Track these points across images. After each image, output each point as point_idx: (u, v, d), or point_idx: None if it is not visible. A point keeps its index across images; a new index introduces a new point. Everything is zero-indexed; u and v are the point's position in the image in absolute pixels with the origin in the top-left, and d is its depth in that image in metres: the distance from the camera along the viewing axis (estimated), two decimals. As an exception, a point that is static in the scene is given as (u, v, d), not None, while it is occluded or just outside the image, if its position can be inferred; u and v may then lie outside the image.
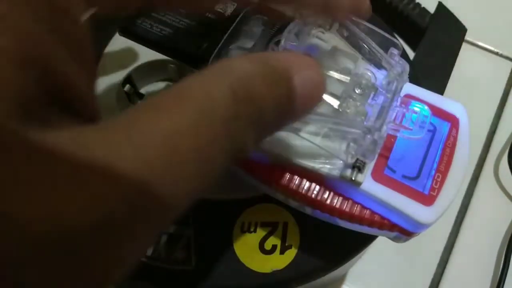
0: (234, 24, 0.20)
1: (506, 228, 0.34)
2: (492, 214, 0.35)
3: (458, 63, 0.29)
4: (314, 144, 0.18)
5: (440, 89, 0.30)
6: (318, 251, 0.23)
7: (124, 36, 0.21)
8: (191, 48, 0.20)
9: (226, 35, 0.19)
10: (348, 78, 0.19)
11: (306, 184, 0.19)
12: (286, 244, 0.23)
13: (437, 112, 0.20)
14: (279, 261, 0.22)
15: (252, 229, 0.23)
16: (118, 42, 0.28)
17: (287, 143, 0.19)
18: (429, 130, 0.20)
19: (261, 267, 0.22)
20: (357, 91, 0.18)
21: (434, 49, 0.32)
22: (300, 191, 0.19)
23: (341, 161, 0.18)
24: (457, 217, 0.35)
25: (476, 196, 0.35)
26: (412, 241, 0.29)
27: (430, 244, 0.33)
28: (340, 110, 0.18)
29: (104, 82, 0.27)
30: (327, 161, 0.19)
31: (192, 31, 0.20)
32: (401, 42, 0.34)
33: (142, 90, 0.29)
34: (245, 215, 0.23)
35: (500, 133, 0.38)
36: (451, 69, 0.31)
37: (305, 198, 0.19)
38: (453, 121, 0.20)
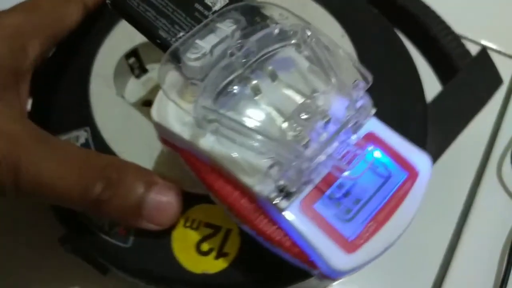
0: (208, 19, 0.19)
1: (509, 228, 0.33)
2: (495, 214, 0.34)
3: None
4: (249, 160, 0.17)
5: (452, 135, 0.28)
6: (254, 268, 0.22)
7: (113, 9, 0.21)
8: (166, 35, 0.20)
9: (198, 27, 0.19)
10: (302, 99, 0.18)
11: (238, 196, 0.19)
12: (223, 251, 0.22)
13: (397, 159, 0.19)
14: (211, 265, 0.22)
15: (194, 226, 0.23)
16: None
17: (228, 151, 0.18)
18: (381, 176, 0.18)
19: (192, 266, 0.22)
20: (303, 115, 0.17)
21: (463, 94, 0.30)
22: (229, 200, 0.19)
23: (271, 183, 0.17)
24: (460, 217, 0.34)
25: (479, 196, 0.34)
26: (414, 242, 0.29)
27: (432, 245, 0.33)
28: (283, 130, 0.17)
29: (110, 51, 0.28)
30: (260, 179, 0.18)
31: (173, 18, 0.20)
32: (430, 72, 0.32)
33: (149, 66, 0.30)
34: (193, 210, 0.23)
35: (503, 133, 0.36)
36: (471, 119, 0.28)
37: (232, 209, 0.19)
38: (412, 173, 0.18)
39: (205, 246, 0.22)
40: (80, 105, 0.26)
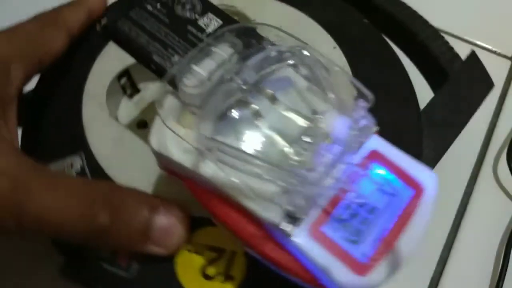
0: (204, 43, 0.19)
1: (505, 226, 0.34)
2: (491, 212, 0.34)
3: None
4: (254, 186, 0.17)
5: (447, 141, 0.28)
6: (262, 288, 0.22)
7: (103, 33, 0.21)
8: (160, 60, 0.20)
9: (193, 52, 0.19)
10: (305, 122, 0.18)
11: (244, 223, 0.18)
12: (230, 274, 0.22)
13: (402, 176, 0.18)
14: (218, 290, 0.22)
15: (198, 251, 0.22)
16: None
17: (231, 178, 0.18)
18: (387, 195, 0.18)
19: (197, 291, 0.22)
20: (307, 139, 0.17)
21: (455, 99, 0.30)
22: (236, 229, 0.18)
23: (278, 208, 0.17)
24: (456, 215, 0.34)
25: (475, 194, 0.35)
26: None
27: (429, 242, 0.33)
28: (286, 155, 0.17)
29: (101, 72, 0.27)
30: (266, 205, 0.17)
31: (167, 42, 0.20)
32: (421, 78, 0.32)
33: (141, 85, 0.29)
34: (196, 234, 0.22)
35: (499, 131, 0.37)
36: (465, 124, 0.28)
37: (239, 236, 0.18)
38: (418, 190, 0.18)
39: (210, 271, 0.22)
40: (73, 130, 0.25)
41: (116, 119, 0.27)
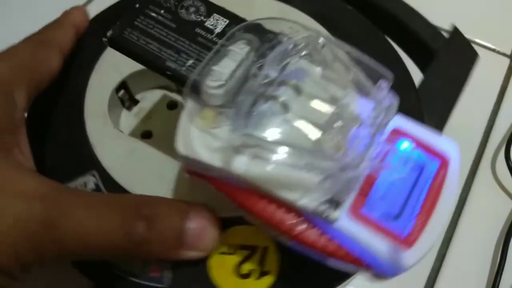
0: (220, 43, 0.19)
1: (503, 223, 0.34)
2: (489, 209, 0.35)
3: None
4: (290, 176, 0.17)
5: (445, 114, 0.29)
6: (298, 281, 0.22)
7: (110, 46, 0.20)
8: (175, 65, 0.20)
9: (210, 54, 0.19)
10: (332, 107, 0.18)
11: (282, 214, 0.18)
12: (264, 270, 0.22)
13: (427, 149, 0.19)
14: (254, 287, 0.22)
15: (230, 251, 0.22)
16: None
17: (264, 171, 0.18)
18: (415, 169, 0.19)
19: (234, 291, 0.22)
20: (337, 124, 0.17)
21: (444, 74, 0.31)
22: (275, 221, 0.18)
23: (316, 195, 0.17)
24: (454, 212, 0.35)
25: (473, 192, 0.35)
26: None
27: None
28: (319, 142, 0.17)
29: (98, 87, 0.27)
30: (302, 194, 0.18)
31: (178, 47, 0.20)
32: (409, 61, 0.33)
33: (138, 96, 0.29)
34: (225, 235, 0.22)
35: (497, 129, 0.38)
36: (459, 95, 0.29)
37: (280, 228, 0.18)
38: (443, 161, 0.19)
39: (245, 269, 0.22)
40: (81, 149, 0.25)
41: (122, 132, 0.26)
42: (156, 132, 0.27)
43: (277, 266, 0.22)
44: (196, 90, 0.18)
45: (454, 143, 0.20)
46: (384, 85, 0.18)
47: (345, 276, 0.22)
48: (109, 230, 0.18)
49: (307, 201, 0.18)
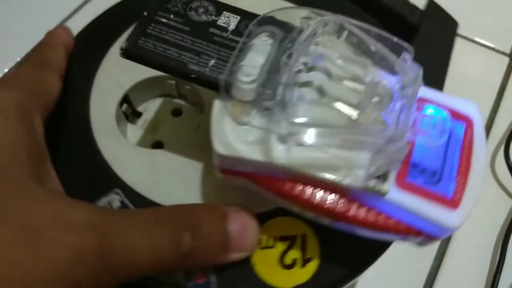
0: (242, 39, 0.19)
1: (502, 221, 0.35)
2: (488, 208, 0.35)
3: (454, 59, 0.29)
4: (334, 157, 0.18)
5: (439, 85, 0.30)
6: (340, 260, 0.22)
7: (127, 58, 0.20)
8: (198, 68, 0.19)
9: (235, 51, 0.19)
10: (362, 86, 0.18)
11: (328, 197, 0.19)
12: (307, 257, 0.22)
13: (452, 113, 0.20)
14: (301, 275, 0.22)
15: (270, 245, 0.22)
16: (110, 62, 0.27)
17: (306, 157, 0.18)
18: (444, 132, 0.20)
19: (283, 282, 0.22)
20: (374, 100, 0.18)
21: (429, 46, 0.32)
22: (323, 205, 0.19)
23: (362, 172, 0.18)
24: None
25: None
26: None
27: None
28: (359, 120, 0.18)
29: (102, 103, 0.26)
30: (347, 172, 0.18)
31: (196, 49, 0.20)
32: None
33: (140, 108, 0.28)
34: (262, 230, 0.23)
35: (497, 128, 0.38)
36: (448, 64, 0.31)
37: (328, 212, 0.19)
38: (468, 122, 0.20)
39: (288, 259, 0.22)
40: (98, 168, 0.24)
41: (135, 145, 0.26)
42: (166, 141, 0.27)
43: (318, 250, 0.22)
44: (227, 90, 0.18)
45: (473, 103, 0.21)
46: (407, 57, 0.19)
47: (384, 246, 0.23)
48: (159, 247, 0.18)
49: (356, 179, 0.18)
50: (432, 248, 0.33)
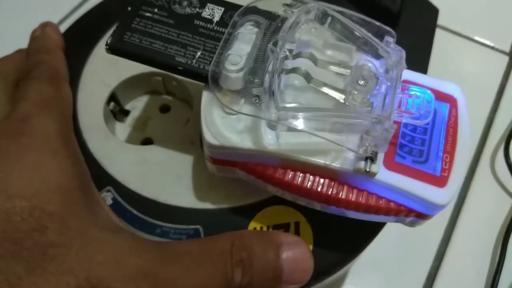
0: (227, 29, 0.19)
1: (502, 221, 0.35)
2: (488, 207, 0.35)
3: (454, 58, 0.29)
4: (324, 140, 0.18)
5: (423, 69, 0.31)
6: (334, 245, 0.23)
7: (112, 53, 0.20)
8: (185, 60, 0.20)
9: (221, 43, 0.19)
10: (348, 71, 0.19)
11: (319, 181, 0.19)
12: (301, 244, 0.23)
13: (436, 94, 0.20)
14: (296, 262, 0.22)
15: (265, 233, 0.23)
16: (95, 61, 0.27)
17: (296, 142, 0.19)
18: (429, 112, 0.20)
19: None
20: (360, 83, 0.18)
21: (410, 32, 0.33)
22: (314, 189, 0.19)
23: (352, 154, 0.18)
24: (453, 210, 0.35)
25: (473, 190, 0.36)
26: (409, 234, 0.29)
27: (426, 238, 0.33)
28: (346, 103, 0.18)
29: (89, 102, 0.26)
30: (337, 155, 0.19)
31: (182, 41, 0.20)
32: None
33: (128, 106, 0.28)
34: (256, 220, 0.23)
35: (496, 127, 0.38)
36: (430, 50, 0.31)
37: (320, 196, 0.19)
38: (452, 102, 0.21)
39: (283, 247, 0.22)
40: (89, 168, 0.24)
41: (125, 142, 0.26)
42: (156, 138, 0.27)
43: (311, 237, 0.23)
44: (215, 80, 0.18)
45: (456, 85, 0.21)
46: (390, 40, 0.19)
47: (375, 231, 0.23)
48: (210, 285, 0.18)
49: (346, 162, 0.18)
50: (432, 248, 0.33)
